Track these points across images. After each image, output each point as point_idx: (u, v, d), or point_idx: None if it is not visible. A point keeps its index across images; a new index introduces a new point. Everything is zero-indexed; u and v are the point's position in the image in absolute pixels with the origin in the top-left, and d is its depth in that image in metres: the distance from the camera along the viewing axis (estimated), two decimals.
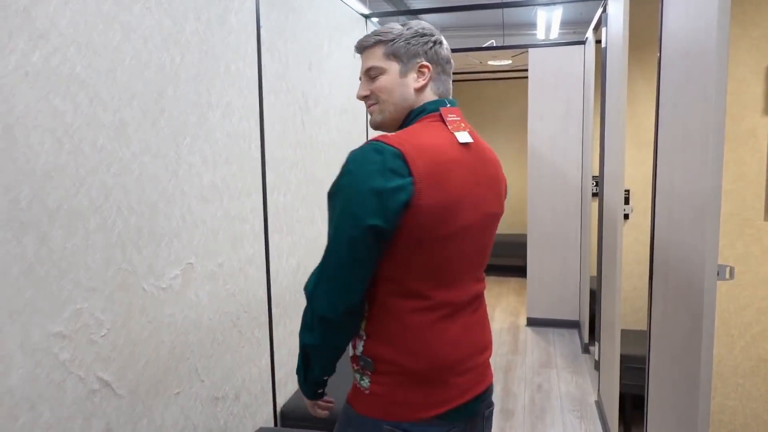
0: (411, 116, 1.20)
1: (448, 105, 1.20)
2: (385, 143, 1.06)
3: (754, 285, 2.06)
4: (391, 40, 1.20)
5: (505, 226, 7.07)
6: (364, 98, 1.24)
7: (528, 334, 4.55)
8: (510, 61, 5.87)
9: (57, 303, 1.20)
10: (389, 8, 4.77)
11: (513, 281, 6.43)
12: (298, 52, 2.39)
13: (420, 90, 1.20)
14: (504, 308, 5.33)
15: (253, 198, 2.05)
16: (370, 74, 1.22)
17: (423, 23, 1.24)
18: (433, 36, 1.22)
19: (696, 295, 1.38)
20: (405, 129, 1.15)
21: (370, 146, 1.06)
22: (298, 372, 1.22)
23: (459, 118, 1.19)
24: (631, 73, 3.43)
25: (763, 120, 2.01)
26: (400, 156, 1.04)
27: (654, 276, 1.94)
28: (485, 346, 1.23)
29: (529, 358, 4.01)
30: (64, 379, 1.22)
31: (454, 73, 6.79)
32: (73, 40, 1.24)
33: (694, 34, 1.45)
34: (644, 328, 3.52)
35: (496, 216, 1.21)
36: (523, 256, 5.93)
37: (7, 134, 1.08)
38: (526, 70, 4.69)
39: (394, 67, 1.20)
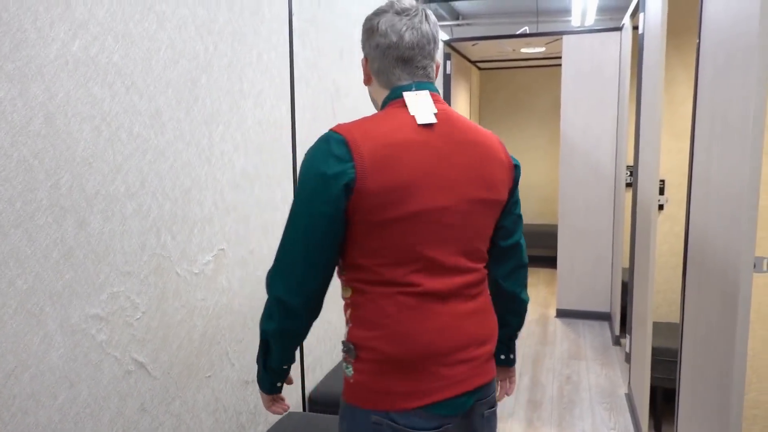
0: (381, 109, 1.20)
1: (414, 89, 1.14)
2: (333, 131, 1.09)
3: None
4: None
5: (535, 216, 6.99)
6: None
7: (557, 325, 4.51)
8: (543, 49, 5.77)
9: (95, 286, 1.24)
10: None
11: (543, 272, 6.36)
12: (329, 40, 2.39)
13: (369, 86, 1.22)
14: (534, 299, 5.28)
15: (284, 186, 2.07)
16: None
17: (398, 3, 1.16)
18: (369, 22, 1.17)
19: (731, 287, 1.35)
20: (364, 117, 1.15)
21: (322, 136, 1.10)
22: (258, 361, 1.22)
23: (427, 100, 1.13)
24: (668, 60, 3.34)
25: None
26: (344, 142, 1.06)
27: (688, 267, 1.89)
28: (485, 339, 1.17)
29: (558, 350, 3.98)
30: (101, 360, 1.26)
31: (487, 60, 6.72)
32: (110, 29, 1.27)
33: (736, 20, 1.40)
34: (677, 320, 3.44)
35: (484, 201, 1.14)
36: (554, 247, 5.86)
37: (49, 122, 1.12)
38: (560, 57, 4.59)
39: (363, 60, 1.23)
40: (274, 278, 1.10)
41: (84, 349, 1.22)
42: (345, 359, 1.18)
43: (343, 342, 1.18)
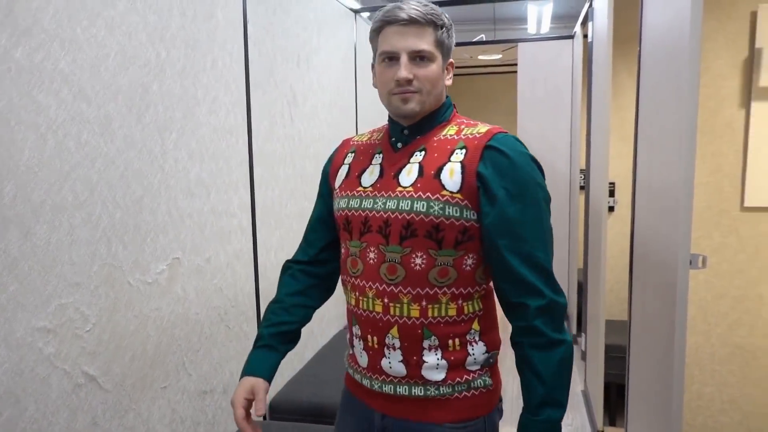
0: (443, 111, 1.16)
1: None
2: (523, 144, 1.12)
3: (731, 274, 2.10)
4: (442, 26, 1.10)
5: None
6: (406, 82, 1.08)
7: None
8: (500, 56, 5.90)
9: (41, 298, 1.21)
10: (381, 3, 4.77)
11: None
12: (286, 47, 2.40)
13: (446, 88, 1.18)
14: None
15: (241, 193, 2.06)
16: (419, 57, 1.08)
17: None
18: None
19: (670, 283, 1.41)
20: (471, 120, 1.16)
21: (525, 150, 1.10)
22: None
23: None
24: (616, 67, 3.47)
25: (739, 113, 2.05)
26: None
27: (634, 266, 1.97)
28: None
29: None
30: (49, 374, 1.23)
31: None
32: (56, 35, 1.25)
33: (670, 29, 1.47)
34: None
35: None
36: None
37: None
38: (516, 64, 4.71)
39: (440, 58, 1.11)
40: (560, 288, 1.09)
41: (30, 363, 1.19)
42: (480, 373, 1.13)
43: (488, 358, 1.14)
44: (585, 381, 3.34)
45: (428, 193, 1.06)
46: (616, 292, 3.60)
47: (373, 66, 1.18)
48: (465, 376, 1.11)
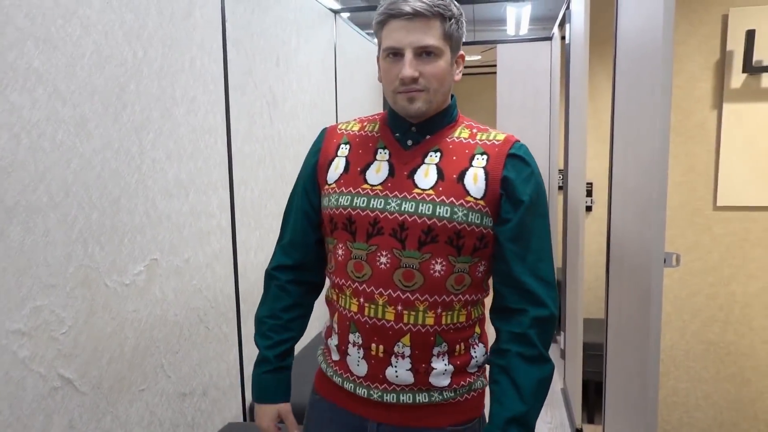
0: (451, 110, 1.12)
1: None
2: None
3: (704, 272, 2.15)
4: (450, 18, 1.03)
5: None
6: (411, 80, 1.01)
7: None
8: (479, 57, 5.94)
9: (15, 300, 1.19)
10: (361, 3, 4.77)
11: None
12: (264, 47, 2.39)
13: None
14: None
15: (220, 193, 2.05)
16: (425, 53, 1.02)
17: None
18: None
19: (645, 281, 1.44)
20: (479, 124, 1.14)
21: (529, 152, 1.10)
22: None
23: None
24: (592, 69, 3.51)
25: (712, 114, 2.10)
26: None
27: (610, 265, 2.01)
28: None
29: None
30: (23, 377, 1.21)
31: None
32: (30, 34, 1.23)
33: (643, 31, 1.50)
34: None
35: None
36: None
37: None
38: (495, 65, 4.75)
39: (448, 52, 1.05)
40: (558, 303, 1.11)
41: (4, 366, 1.17)
42: (478, 374, 1.14)
43: (487, 357, 1.14)
44: (564, 379, 3.38)
45: (452, 198, 1.02)
46: (594, 290, 3.66)
47: (378, 59, 1.11)
48: (468, 379, 1.11)
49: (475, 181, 1.03)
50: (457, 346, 1.08)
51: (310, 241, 1.19)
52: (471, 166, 1.05)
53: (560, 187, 4.37)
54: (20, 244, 1.20)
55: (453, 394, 1.09)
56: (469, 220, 1.02)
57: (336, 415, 1.15)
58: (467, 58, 6.49)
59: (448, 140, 1.08)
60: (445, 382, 1.07)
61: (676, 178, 2.14)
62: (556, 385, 3.45)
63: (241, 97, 2.21)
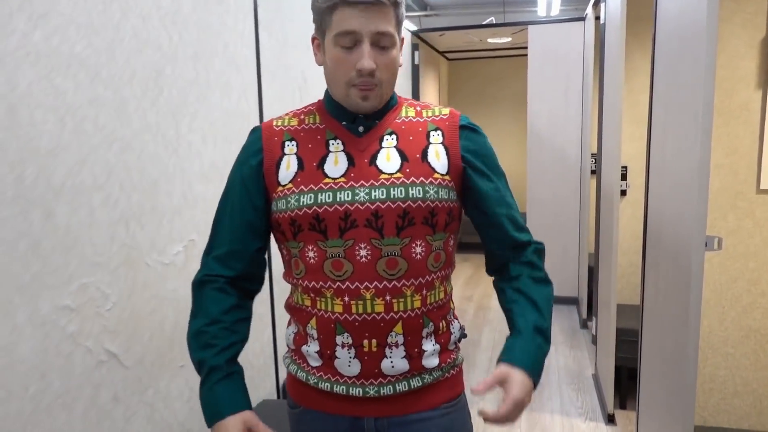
0: (394, 94, 1.10)
1: None
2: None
3: (746, 257, 2.09)
4: (401, 4, 1.01)
5: None
6: (369, 73, 0.98)
7: None
8: (510, 39, 5.84)
9: (63, 277, 1.24)
10: None
11: None
12: (296, 30, 2.39)
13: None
14: None
15: None
16: (381, 43, 0.98)
17: None
18: None
19: (685, 266, 1.41)
20: (417, 101, 1.14)
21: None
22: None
23: None
24: (628, 49, 3.43)
25: (756, 94, 2.03)
26: None
27: (647, 250, 1.97)
28: None
29: None
30: (72, 351, 1.26)
31: (455, 51, 6.78)
32: (72, 19, 1.26)
33: (686, 9, 1.46)
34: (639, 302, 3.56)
35: None
36: None
37: (11, 113, 1.11)
38: (526, 47, 4.67)
39: (398, 40, 1.02)
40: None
41: (54, 340, 1.21)
42: (457, 350, 1.15)
43: (462, 332, 1.16)
44: (595, 365, 3.35)
45: (422, 178, 1.02)
46: (627, 276, 3.60)
47: (314, 39, 1.05)
48: (451, 356, 1.13)
49: (438, 157, 1.05)
50: (440, 324, 1.10)
51: (252, 249, 1.10)
52: (430, 143, 1.06)
53: (593, 172, 4.30)
54: (67, 224, 1.25)
55: (441, 373, 1.10)
56: (440, 196, 1.03)
57: (326, 423, 1.10)
58: (497, 41, 6.38)
59: (398, 121, 1.08)
60: (435, 362, 1.09)
61: (717, 161, 2.08)
62: (587, 370, 3.42)
63: (273, 81, 2.22)
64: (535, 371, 1.02)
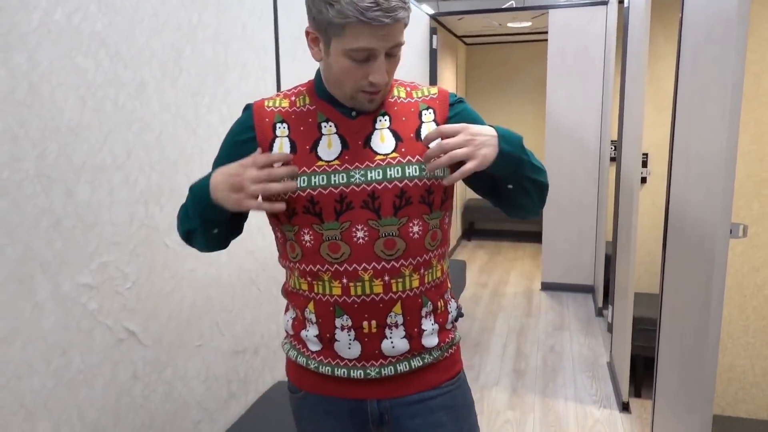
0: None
1: None
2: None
3: None
4: (409, 8, 0.98)
5: None
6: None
7: (542, 298, 4.59)
8: (530, 23, 5.75)
9: (84, 255, 1.25)
10: None
11: (528, 246, 6.44)
12: None
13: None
14: (519, 272, 5.36)
15: None
16: (392, 52, 0.98)
17: None
18: None
19: (708, 253, 1.39)
20: (407, 82, 1.14)
21: None
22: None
23: None
24: (652, 34, 3.35)
25: None
26: None
27: (668, 237, 1.94)
28: None
29: (543, 321, 4.06)
30: (92, 328, 1.28)
31: (473, 36, 6.69)
32: None
33: None
34: (657, 291, 3.53)
35: None
36: (539, 222, 5.93)
37: (33, 91, 1.12)
38: (546, 32, 4.59)
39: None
40: None
41: (76, 317, 1.23)
42: (455, 329, 1.15)
43: (459, 311, 1.16)
44: (611, 353, 3.33)
45: (417, 156, 1.03)
46: (645, 265, 3.56)
47: (308, 33, 1.01)
48: (450, 335, 1.14)
49: None
50: (439, 303, 1.10)
51: (239, 223, 1.13)
52: (422, 122, 1.06)
53: (612, 159, 4.24)
54: (88, 202, 1.25)
55: (440, 353, 1.11)
56: (436, 174, 1.03)
57: (330, 406, 1.11)
58: (517, 25, 6.28)
59: (391, 100, 1.08)
60: (435, 341, 1.10)
61: (743, 148, 2.03)
62: (602, 358, 3.41)
63: (291, 63, 2.21)
64: (502, 133, 0.98)
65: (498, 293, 4.75)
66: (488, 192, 1.11)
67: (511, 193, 1.05)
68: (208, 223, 1.03)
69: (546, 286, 4.77)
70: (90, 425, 1.28)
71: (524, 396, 2.98)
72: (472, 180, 1.09)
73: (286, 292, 1.14)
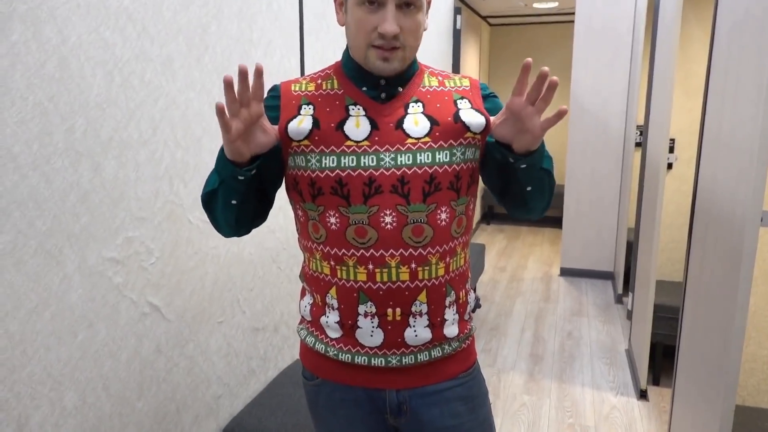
0: (413, 65, 1.07)
1: None
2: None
3: None
4: None
5: None
6: (393, 37, 0.95)
7: (561, 283, 4.56)
8: (556, 4, 5.63)
9: (111, 230, 1.27)
10: None
11: (548, 231, 6.39)
12: None
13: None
14: (538, 258, 5.32)
15: None
16: (405, 6, 0.95)
17: None
18: None
19: (736, 240, 1.36)
20: (438, 69, 1.13)
21: None
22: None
23: None
24: (684, 17, 3.26)
25: None
26: None
27: (694, 225, 1.91)
28: None
29: (561, 307, 4.04)
30: (118, 301, 1.30)
31: (498, 16, 6.57)
32: None
33: None
34: (680, 279, 3.48)
35: None
36: (559, 207, 5.87)
37: (62, 66, 1.12)
38: (573, 13, 4.49)
39: (425, 2, 1.00)
40: None
41: (102, 290, 1.25)
42: (471, 320, 1.15)
43: (477, 302, 1.16)
44: (629, 340, 3.31)
45: (450, 140, 1.00)
46: (668, 252, 3.51)
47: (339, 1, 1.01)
48: (468, 326, 1.13)
49: (474, 118, 1.03)
50: (461, 293, 1.09)
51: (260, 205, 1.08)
52: (459, 108, 1.05)
53: (638, 144, 4.17)
54: (114, 177, 1.27)
55: (459, 343, 1.10)
56: (466, 157, 1.02)
57: (347, 394, 1.09)
58: (543, 5, 6.17)
59: (423, 90, 1.05)
60: (455, 331, 1.09)
61: None
62: (620, 345, 3.38)
63: (315, 42, 2.20)
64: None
65: (516, 278, 4.73)
66: (500, 192, 1.09)
67: (527, 195, 1.04)
68: (225, 185, 0.98)
69: (565, 272, 4.74)
70: (114, 396, 1.31)
71: (541, 381, 2.98)
72: (488, 172, 1.08)
73: (306, 276, 1.11)
